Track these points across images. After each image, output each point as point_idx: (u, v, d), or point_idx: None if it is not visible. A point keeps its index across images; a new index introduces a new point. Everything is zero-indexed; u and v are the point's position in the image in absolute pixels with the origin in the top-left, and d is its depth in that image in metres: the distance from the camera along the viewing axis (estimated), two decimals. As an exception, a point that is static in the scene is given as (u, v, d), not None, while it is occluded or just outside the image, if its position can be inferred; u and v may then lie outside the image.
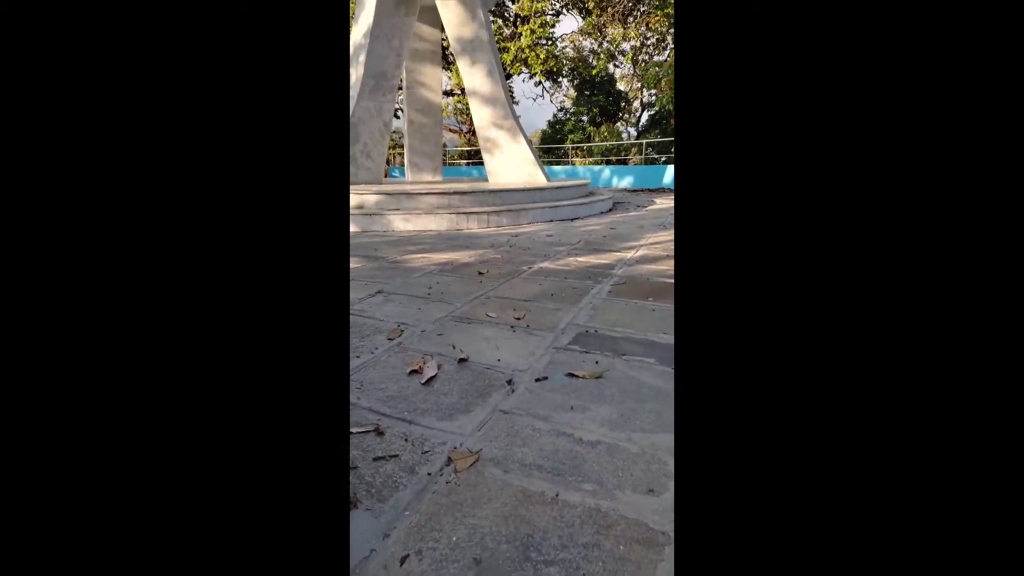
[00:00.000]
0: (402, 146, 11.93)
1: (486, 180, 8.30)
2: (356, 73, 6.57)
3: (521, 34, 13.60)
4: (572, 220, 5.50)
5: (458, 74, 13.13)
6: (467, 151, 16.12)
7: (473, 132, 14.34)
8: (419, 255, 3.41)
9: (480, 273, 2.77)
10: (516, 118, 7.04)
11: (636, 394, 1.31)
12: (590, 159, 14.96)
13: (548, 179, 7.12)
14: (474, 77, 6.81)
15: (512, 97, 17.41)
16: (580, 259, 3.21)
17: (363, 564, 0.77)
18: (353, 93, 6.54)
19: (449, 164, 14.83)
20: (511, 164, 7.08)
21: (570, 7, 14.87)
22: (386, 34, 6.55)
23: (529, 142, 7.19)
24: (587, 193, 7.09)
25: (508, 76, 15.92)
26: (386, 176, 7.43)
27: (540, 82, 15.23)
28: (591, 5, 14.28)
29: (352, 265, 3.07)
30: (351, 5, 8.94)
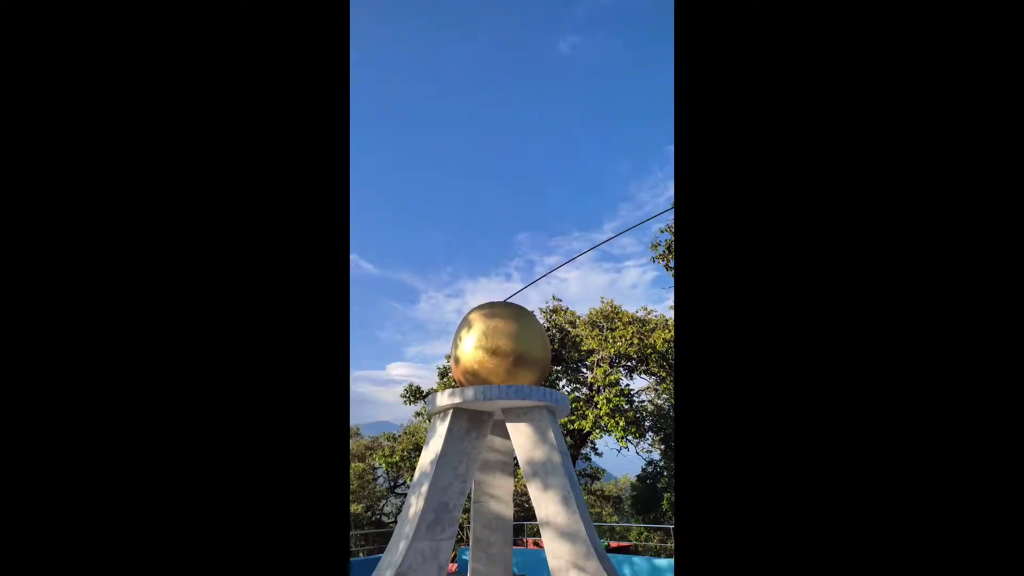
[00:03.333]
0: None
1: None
2: (416, 505, 5.86)
3: (598, 403, 13.69)
4: None
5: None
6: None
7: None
8: None
9: None
10: (603, 558, 5.57)
11: None
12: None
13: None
14: (547, 505, 5.83)
15: (595, 450, 16.54)
16: None
17: None
18: (408, 531, 5.67)
19: (517, 547, 12.60)
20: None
21: (643, 373, 15.46)
22: (453, 462, 6.13)
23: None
24: None
25: (587, 435, 15.38)
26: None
27: (621, 444, 14.43)
28: (663, 374, 14.70)
29: None
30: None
